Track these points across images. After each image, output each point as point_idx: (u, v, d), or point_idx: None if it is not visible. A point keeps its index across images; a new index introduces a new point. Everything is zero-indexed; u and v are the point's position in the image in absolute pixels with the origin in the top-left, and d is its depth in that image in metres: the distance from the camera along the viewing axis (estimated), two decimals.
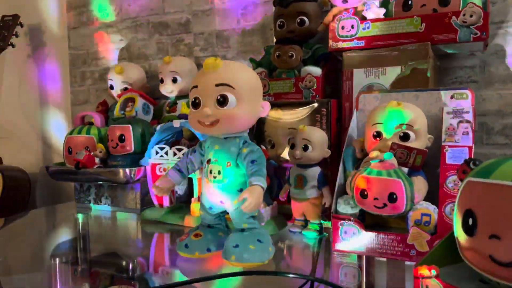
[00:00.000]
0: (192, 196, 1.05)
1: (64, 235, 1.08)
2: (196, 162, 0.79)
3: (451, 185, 0.74)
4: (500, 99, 1.02)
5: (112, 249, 0.93)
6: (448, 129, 0.80)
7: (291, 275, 0.65)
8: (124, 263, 0.84)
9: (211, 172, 0.74)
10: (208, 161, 0.75)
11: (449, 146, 0.78)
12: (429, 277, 0.52)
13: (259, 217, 0.77)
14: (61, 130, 1.71)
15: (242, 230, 0.74)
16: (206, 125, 0.71)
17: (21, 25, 1.65)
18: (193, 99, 0.73)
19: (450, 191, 0.73)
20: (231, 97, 0.69)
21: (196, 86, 0.72)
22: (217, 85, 0.70)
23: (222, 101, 0.69)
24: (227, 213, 0.79)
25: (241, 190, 0.73)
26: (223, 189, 0.73)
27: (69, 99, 1.68)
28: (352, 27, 0.96)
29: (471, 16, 0.86)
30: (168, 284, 0.65)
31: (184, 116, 1.04)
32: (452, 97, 0.84)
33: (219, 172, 0.73)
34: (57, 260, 0.85)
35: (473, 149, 0.76)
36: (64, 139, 1.24)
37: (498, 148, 1.02)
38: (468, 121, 0.80)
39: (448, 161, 0.76)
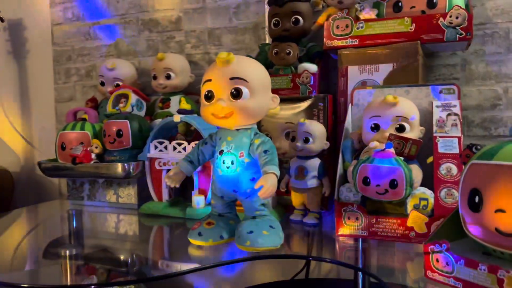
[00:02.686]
0: (186, 190, 1.08)
1: (60, 232, 1.08)
2: (207, 154, 0.82)
3: (444, 171, 0.80)
4: (479, 95, 1.11)
5: (115, 244, 0.94)
6: (438, 121, 0.87)
7: (311, 259, 0.69)
8: (132, 257, 0.85)
9: (224, 162, 0.77)
10: (221, 152, 0.78)
11: (440, 137, 0.84)
12: (440, 251, 0.58)
13: (268, 204, 0.81)
14: (44, 128, 1.68)
15: (254, 217, 0.78)
16: (220, 117, 0.74)
17: (2, 20, 1.62)
18: (206, 93, 0.76)
19: (444, 177, 0.79)
20: (244, 90, 0.73)
21: (209, 80, 0.75)
22: (231, 78, 0.73)
23: (236, 94, 0.73)
24: (237, 202, 0.82)
25: (253, 179, 0.76)
26: (236, 179, 0.77)
27: (53, 96, 1.66)
28: (347, 26, 1.02)
29: (456, 17, 0.94)
30: (189, 269, 0.68)
31: (183, 111, 1.06)
32: (440, 92, 0.91)
33: (232, 162, 0.76)
34: (56, 257, 0.85)
35: (462, 139, 0.83)
36: (57, 135, 1.23)
37: (478, 139, 1.11)
38: (456, 114, 0.87)
39: (440, 150, 0.83)
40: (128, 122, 1.14)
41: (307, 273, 1.10)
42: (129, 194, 1.18)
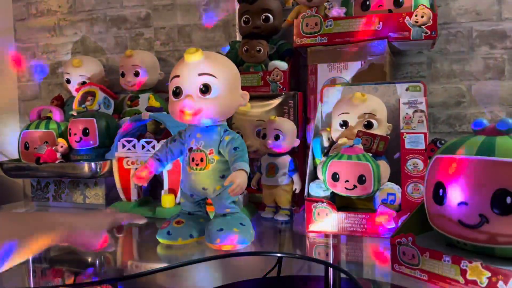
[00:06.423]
0: (155, 190, 1.06)
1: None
2: (176, 151, 0.80)
3: (411, 167, 0.82)
4: (444, 92, 1.15)
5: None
6: (405, 118, 0.88)
7: (281, 255, 0.69)
8: (100, 258, 0.82)
9: (193, 160, 0.76)
10: (190, 149, 0.77)
11: (407, 133, 0.86)
12: (406, 244, 0.59)
13: (239, 202, 0.80)
14: (6, 127, 1.62)
15: (224, 215, 0.77)
16: (189, 113, 0.73)
17: None
18: (174, 89, 0.74)
19: (410, 173, 0.81)
20: (213, 86, 0.72)
21: (177, 76, 0.74)
22: (199, 74, 0.72)
23: (205, 90, 0.72)
24: (207, 200, 0.81)
25: (223, 177, 0.76)
26: (206, 176, 0.76)
27: (16, 94, 1.60)
28: (316, 24, 1.03)
29: (422, 16, 0.96)
30: (157, 268, 0.66)
31: (152, 109, 1.04)
32: (407, 89, 0.93)
33: (201, 160, 0.75)
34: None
35: (428, 135, 0.85)
36: (20, 134, 1.18)
37: (444, 135, 1.14)
38: (422, 111, 0.88)
39: (407, 146, 0.84)
40: (95, 120, 1.11)
41: (279, 270, 1.10)
42: (96, 194, 1.15)
